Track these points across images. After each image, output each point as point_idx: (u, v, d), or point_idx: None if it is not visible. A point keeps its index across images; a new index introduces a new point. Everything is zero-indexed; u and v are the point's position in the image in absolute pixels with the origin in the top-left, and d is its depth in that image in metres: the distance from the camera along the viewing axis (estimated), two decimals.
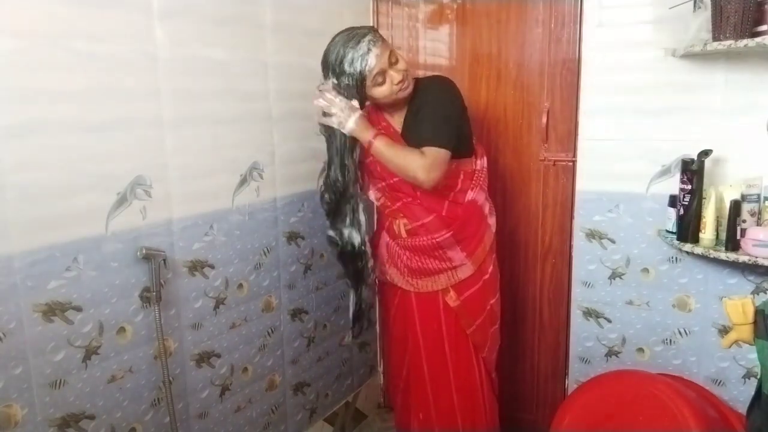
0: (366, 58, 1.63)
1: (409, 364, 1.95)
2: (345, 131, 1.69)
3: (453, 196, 1.80)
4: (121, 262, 1.45)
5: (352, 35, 1.65)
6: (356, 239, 1.82)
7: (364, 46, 1.63)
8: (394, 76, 1.66)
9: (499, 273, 1.96)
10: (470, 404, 1.92)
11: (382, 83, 1.67)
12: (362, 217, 1.82)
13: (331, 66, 1.67)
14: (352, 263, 1.87)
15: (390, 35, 2.39)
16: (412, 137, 1.72)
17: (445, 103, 1.71)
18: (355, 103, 1.69)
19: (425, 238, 1.80)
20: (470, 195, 1.82)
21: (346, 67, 1.64)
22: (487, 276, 1.87)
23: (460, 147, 1.76)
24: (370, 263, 1.89)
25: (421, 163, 1.62)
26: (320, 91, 1.70)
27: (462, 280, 1.83)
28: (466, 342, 1.88)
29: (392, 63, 1.67)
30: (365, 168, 1.85)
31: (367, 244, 1.85)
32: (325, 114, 1.71)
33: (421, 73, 2.34)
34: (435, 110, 1.69)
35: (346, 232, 1.82)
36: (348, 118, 1.67)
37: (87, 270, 1.37)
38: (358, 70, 1.64)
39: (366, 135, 1.68)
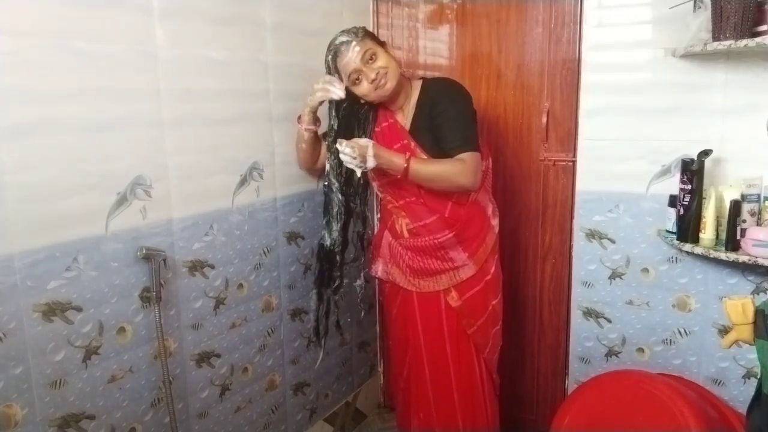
0: (336, 59, 1.68)
1: (410, 364, 1.95)
2: (368, 168, 1.63)
3: (456, 197, 1.80)
4: (121, 262, 1.45)
5: (334, 37, 1.71)
6: (326, 240, 1.86)
7: (335, 47, 1.69)
8: (368, 74, 1.66)
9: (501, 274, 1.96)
10: (471, 404, 1.92)
11: (359, 82, 1.68)
12: (337, 224, 1.84)
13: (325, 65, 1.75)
14: (320, 262, 1.90)
15: (390, 35, 2.39)
16: (438, 144, 1.72)
17: (465, 107, 1.74)
18: (364, 141, 1.63)
19: (427, 239, 1.80)
20: (474, 196, 1.82)
21: (328, 60, 1.72)
22: (489, 277, 1.87)
23: None
24: (338, 271, 1.92)
25: (464, 170, 1.65)
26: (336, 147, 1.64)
27: (464, 280, 1.83)
28: (468, 342, 1.88)
29: (367, 61, 1.67)
30: None
31: (337, 252, 1.88)
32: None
33: (420, 73, 2.34)
34: (459, 116, 1.71)
35: (323, 231, 1.87)
36: (365, 156, 1.60)
37: (87, 270, 1.37)
38: (334, 70, 1.70)
39: (397, 160, 1.65)
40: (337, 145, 1.61)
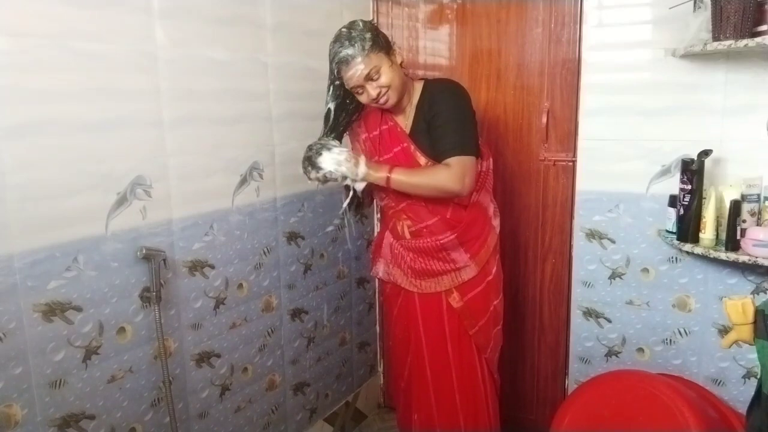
0: (340, 71, 1.63)
1: (411, 365, 1.95)
2: (358, 181, 1.67)
3: (458, 198, 1.79)
4: (121, 262, 1.45)
5: (339, 36, 1.63)
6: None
7: (338, 60, 1.61)
8: (370, 92, 1.65)
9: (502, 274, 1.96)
10: (472, 405, 1.91)
11: (360, 94, 1.67)
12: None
13: (329, 62, 1.68)
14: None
15: (390, 35, 2.38)
16: (433, 148, 1.70)
17: (462, 111, 1.71)
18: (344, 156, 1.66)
19: (429, 240, 1.80)
20: (475, 197, 1.81)
21: (332, 66, 1.65)
22: (490, 277, 1.87)
23: None
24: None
25: (449, 175, 1.63)
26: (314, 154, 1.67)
27: (465, 281, 1.83)
28: (469, 343, 1.88)
29: (370, 79, 1.63)
30: None
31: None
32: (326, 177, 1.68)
33: (420, 73, 2.34)
34: (453, 119, 1.69)
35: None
36: (356, 168, 1.65)
37: (87, 270, 1.37)
38: (337, 76, 1.65)
39: (380, 173, 1.66)
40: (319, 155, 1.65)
